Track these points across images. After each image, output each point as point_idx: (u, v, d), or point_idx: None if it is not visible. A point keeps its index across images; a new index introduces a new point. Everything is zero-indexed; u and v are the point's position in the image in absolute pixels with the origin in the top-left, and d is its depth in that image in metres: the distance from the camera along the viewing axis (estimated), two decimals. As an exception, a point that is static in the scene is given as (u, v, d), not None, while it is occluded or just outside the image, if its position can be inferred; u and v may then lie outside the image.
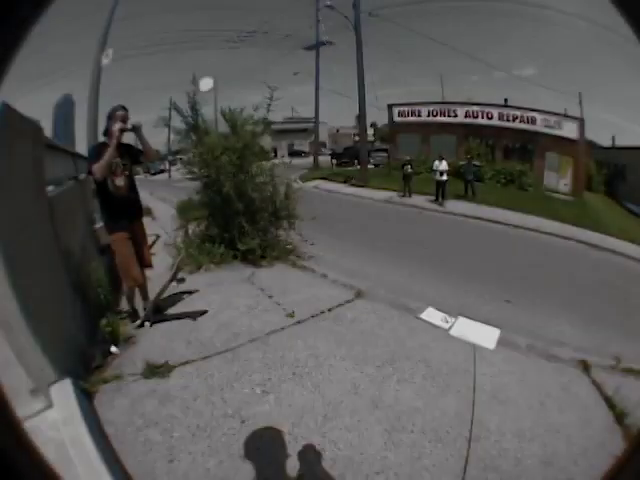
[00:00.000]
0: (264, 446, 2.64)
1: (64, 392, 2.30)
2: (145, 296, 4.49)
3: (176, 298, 4.86)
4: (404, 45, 79.51)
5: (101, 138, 4.15)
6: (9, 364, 2.14)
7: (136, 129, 4.04)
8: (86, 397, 2.70)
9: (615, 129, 36.63)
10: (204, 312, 4.47)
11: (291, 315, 4.50)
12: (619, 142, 25.07)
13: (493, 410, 3.25)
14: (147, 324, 4.22)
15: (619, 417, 3.39)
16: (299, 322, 4.41)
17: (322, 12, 26.06)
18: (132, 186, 4.21)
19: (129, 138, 4.17)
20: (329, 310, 4.77)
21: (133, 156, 4.24)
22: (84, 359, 3.17)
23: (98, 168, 3.82)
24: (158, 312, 4.45)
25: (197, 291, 5.05)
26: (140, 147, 4.26)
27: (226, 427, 2.75)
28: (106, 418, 2.63)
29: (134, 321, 4.27)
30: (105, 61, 7.80)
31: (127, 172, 4.14)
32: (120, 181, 4.06)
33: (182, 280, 4.32)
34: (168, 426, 2.70)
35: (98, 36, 8.05)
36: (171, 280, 4.23)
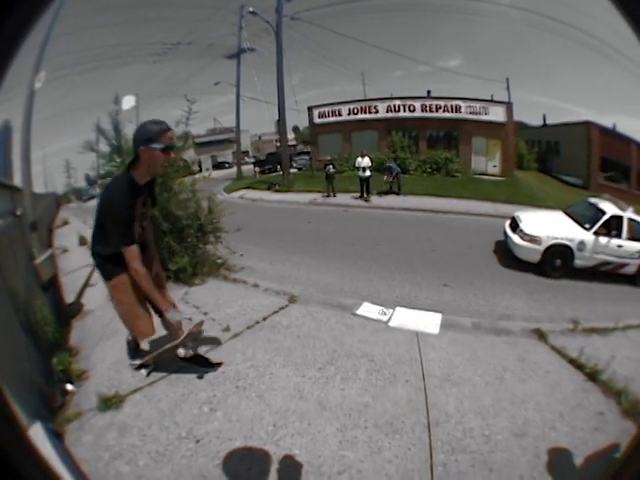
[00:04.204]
0: (223, 464, 2.63)
1: (39, 437, 2.28)
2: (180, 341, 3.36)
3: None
4: (326, 47, 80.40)
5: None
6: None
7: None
8: (57, 438, 2.69)
9: (547, 109, 39.25)
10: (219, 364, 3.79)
11: (227, 329, 4.46)
12: (552, 121, 26.54)
13: (448, 393, 3.34)
14: (144, 371, 3.63)
15: (591, 375, 3.57)
16: (236, 335, 4.41)
17: (245, 19, 25.77)
18: (145, 238, 3.32)
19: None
20: (264, 319, 4.80)
21: (153, 198, 3.42)
22: (45, 400, 3.11)
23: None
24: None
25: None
26: None
27: (183, 449, 2.77)
28: (79, 457, 2.62)
29: (133, 357, 3.71)
30: (38, 84, 7.31)
31: (145, 221, 3.27)
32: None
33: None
34: (132, 456, 2.71)
35: (32, 58, 7.59)
36: (179, 345, 3.41)
